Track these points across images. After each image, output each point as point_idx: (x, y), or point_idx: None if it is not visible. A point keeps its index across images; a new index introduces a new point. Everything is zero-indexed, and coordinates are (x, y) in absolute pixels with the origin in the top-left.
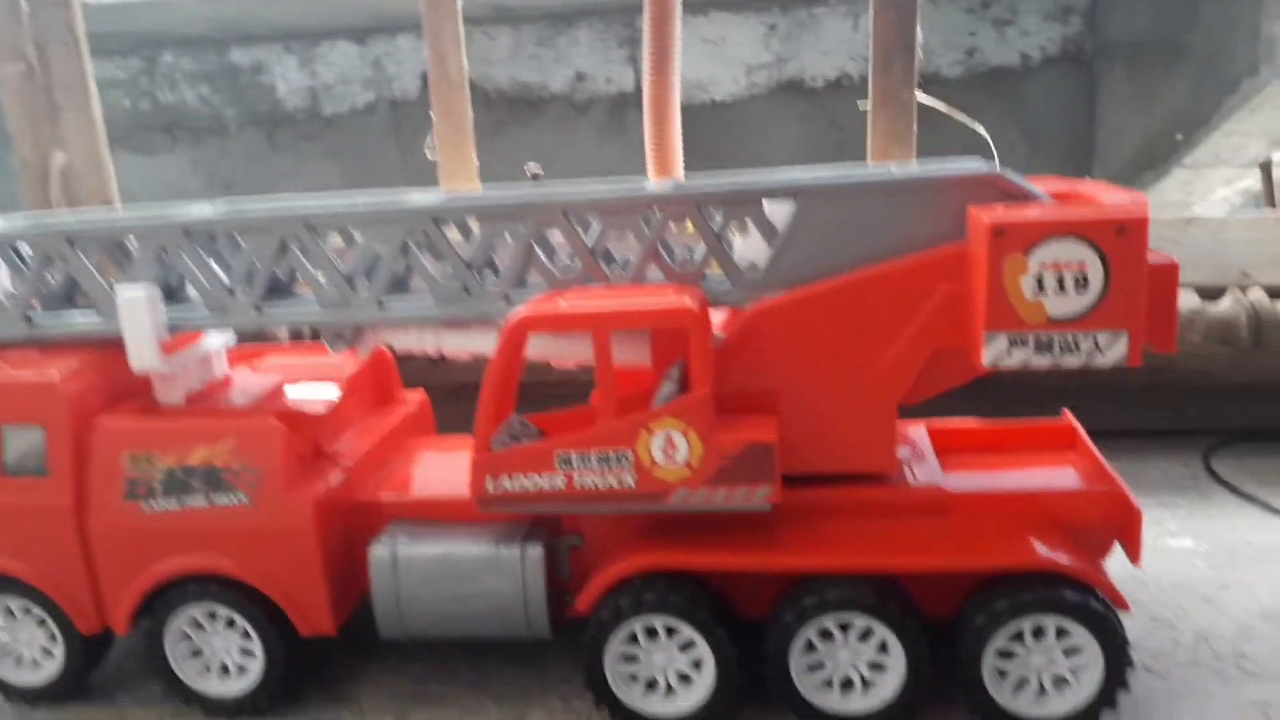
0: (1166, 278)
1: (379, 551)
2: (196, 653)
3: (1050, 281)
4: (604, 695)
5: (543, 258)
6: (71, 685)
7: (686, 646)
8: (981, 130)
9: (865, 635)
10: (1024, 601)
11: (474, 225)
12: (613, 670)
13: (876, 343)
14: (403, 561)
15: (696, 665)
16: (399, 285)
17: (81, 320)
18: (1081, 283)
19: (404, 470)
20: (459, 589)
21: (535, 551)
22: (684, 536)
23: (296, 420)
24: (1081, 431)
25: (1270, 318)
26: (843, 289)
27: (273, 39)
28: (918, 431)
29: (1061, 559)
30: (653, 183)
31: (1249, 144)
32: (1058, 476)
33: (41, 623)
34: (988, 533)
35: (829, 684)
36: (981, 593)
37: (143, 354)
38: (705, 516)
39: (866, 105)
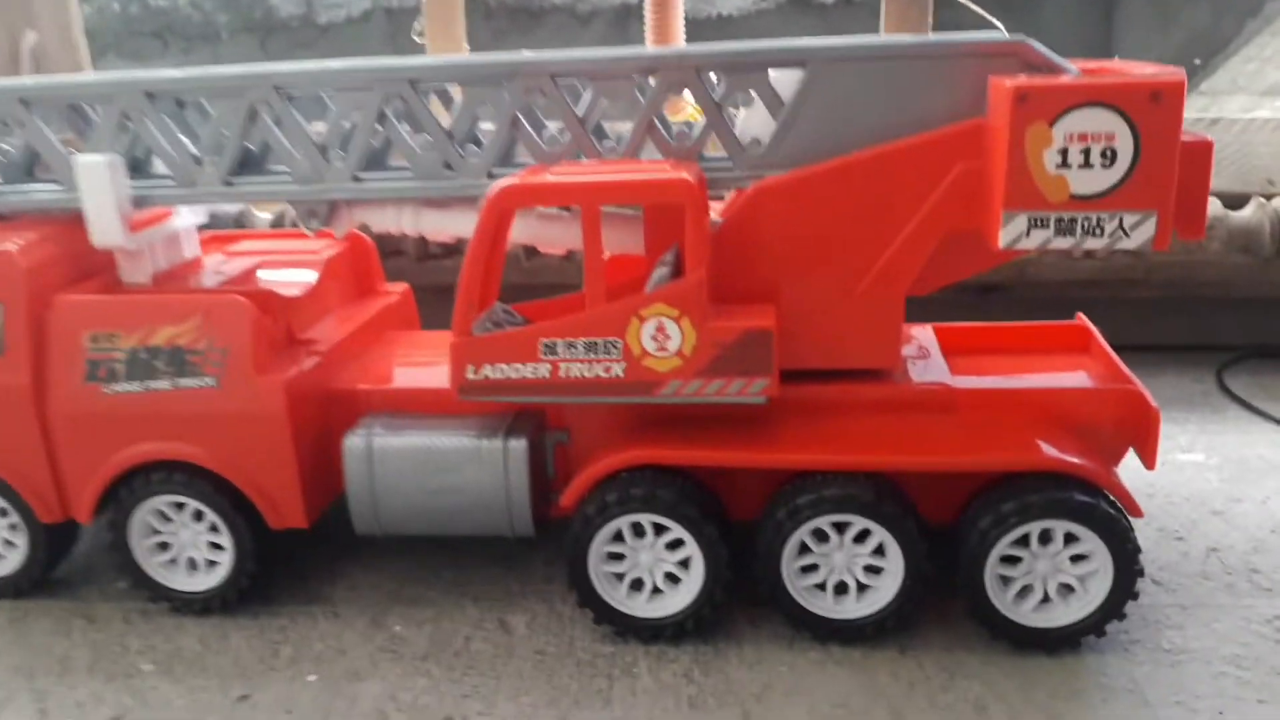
0: (1199, 157)
1: (354, 442)
2: (164, 546)
3: (1075, 155)
4: (588, 595)
5: (530, 132)
6: (36, 577)
7: (674, 545)
8: (1001, 29)
9: (862, 537)
10: (1031, 504)
11: (456, 93)
12: (597, 569)
13: (886, 226)
14: (378, 453)
15: (685, 565)
16: (377, 160)
17: (41, 191)
18: (1109, 157)
19: (383, 360)
20: (438, 483)
21: (519, 444)
22: (675, 431)
23: (268, 302)
24: (1096, 333)
25: None
26: (852, 167)
27: None
28: (924, 332)
29: (1072, 460)
30: (650, 47)
31: (1268, 70)
32: (1070, 377)
33: (2, 511)
34: (994, 432)
35: (822, 588)
36: (986, 495)
37: (105, 228)
38: (697, 410)
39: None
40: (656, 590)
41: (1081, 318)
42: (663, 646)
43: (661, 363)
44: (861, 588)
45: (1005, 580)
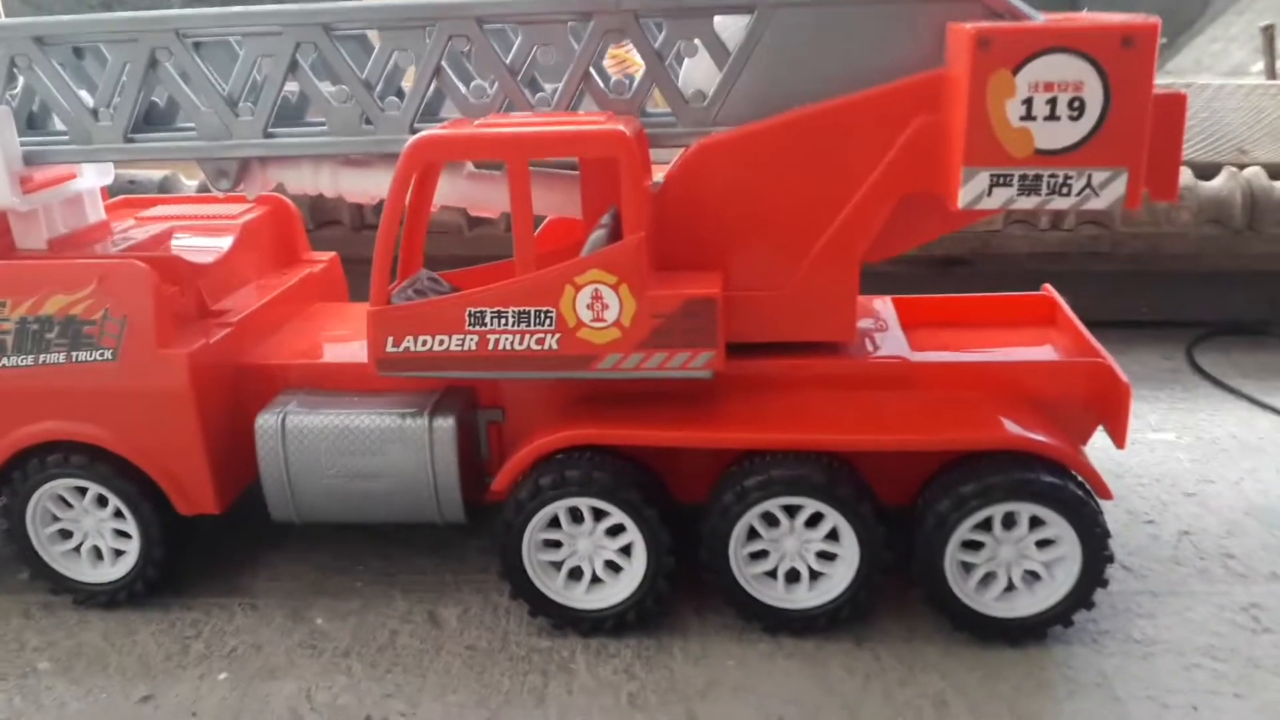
0: (1172, 111)
1: (266, 421)
2: (65, 534)
3: (1041, 106)
4: (522, 586)
5: (455, 82)
6: None
7: (615, 532)
8: None
9: (814, 521)
10: (994, 485)
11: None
12: (532, 558)
13: (839, 187)
14: (292, 433)
15: (626, 553)
16: (296, 115)
17: None
18: (1077, 108)
19: (304, 334)
20: (358, 466)
21: (445, 423)
22: (614, 408)
23: (174, 269)
24: (1064, 305)
25: (1267, 199)
26: (802, 122)
27: None
28: (882, 304)
29: (1037, 438)
30: None
31: (1233, 50)
32: (1036, 351)
33: None
34: (954, 408)
35: (773, 575)
36: (946, 476)
37: None
38: (639, 386)
39: None
40: (596, 580)
41: (1048, 289)
42: (602, 640)
43: (598, 334)
44: (814, 575)
45: (966, 567)
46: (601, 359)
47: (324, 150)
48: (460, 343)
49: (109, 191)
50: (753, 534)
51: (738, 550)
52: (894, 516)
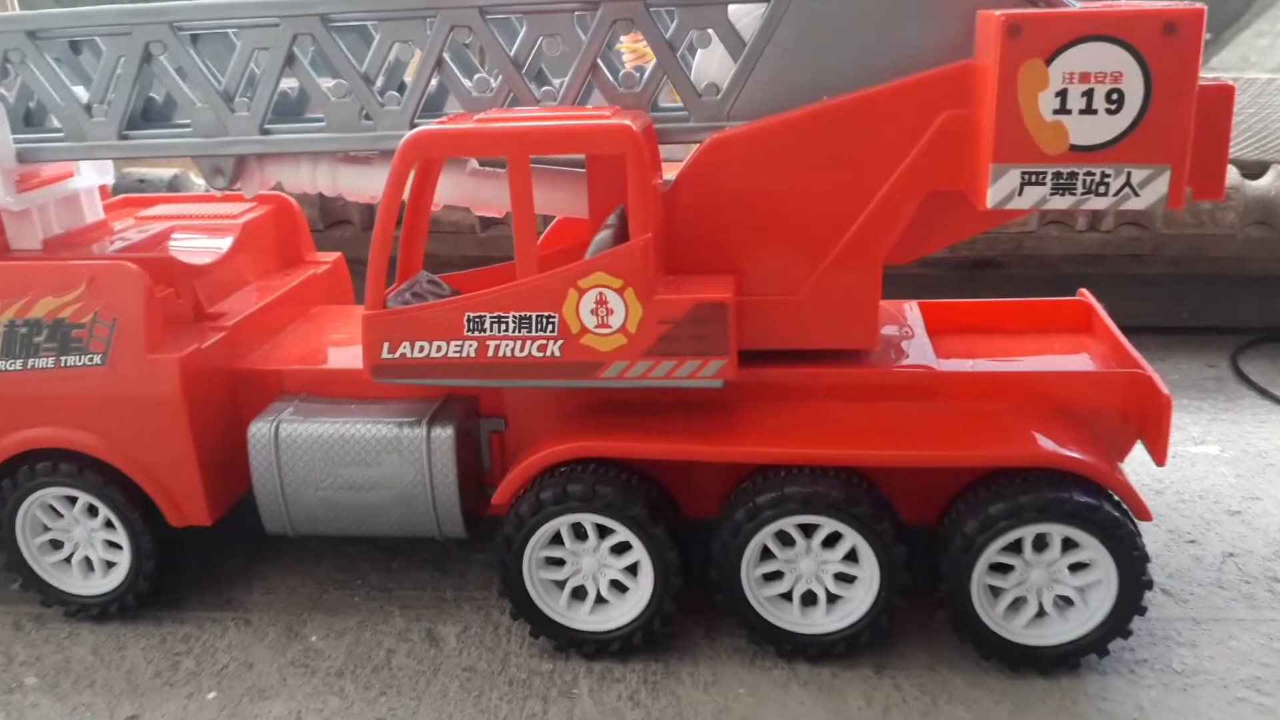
0: (1218, 103)
1: (259, 429)
2: (56, 544)
3: (1076, 98)
4: (523, 605)
5: (457, 75)
6: None
7: (621, 549)
8: None
9: (832, 541)
10: (1025, 505)
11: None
12: (533, 576)
13: (860, 185)
14: (285, 442)
15: (632, 572)
16: (294, 111)
17: None
18: (1115, 100)
19: (304, 337)
20: (354, 477)
21: (444, 432)
22: (620, 419)
23: (168, 271)
24: (1101, 311)
25: None
26: (820, 117)
27: None
28: (908, 308)
29: (1071, 454)
30: None
31: None
32: (1071, 360)
33: None
34: (983, 422)
35: (787, 598)
36: (973, 494)
37: None
38: (646, 395)
39: None
40: (600, 600)
41: (1084, 294)
42: (607, 664)
43: (603, 341)
44: (831, 598)
45: (995, 591)
46: (606, 367)
47: (322, 147)
48: (459, 349)
49: (115, 190)
50: (766, 554)
51: (750, 571)
52: (916, 535)
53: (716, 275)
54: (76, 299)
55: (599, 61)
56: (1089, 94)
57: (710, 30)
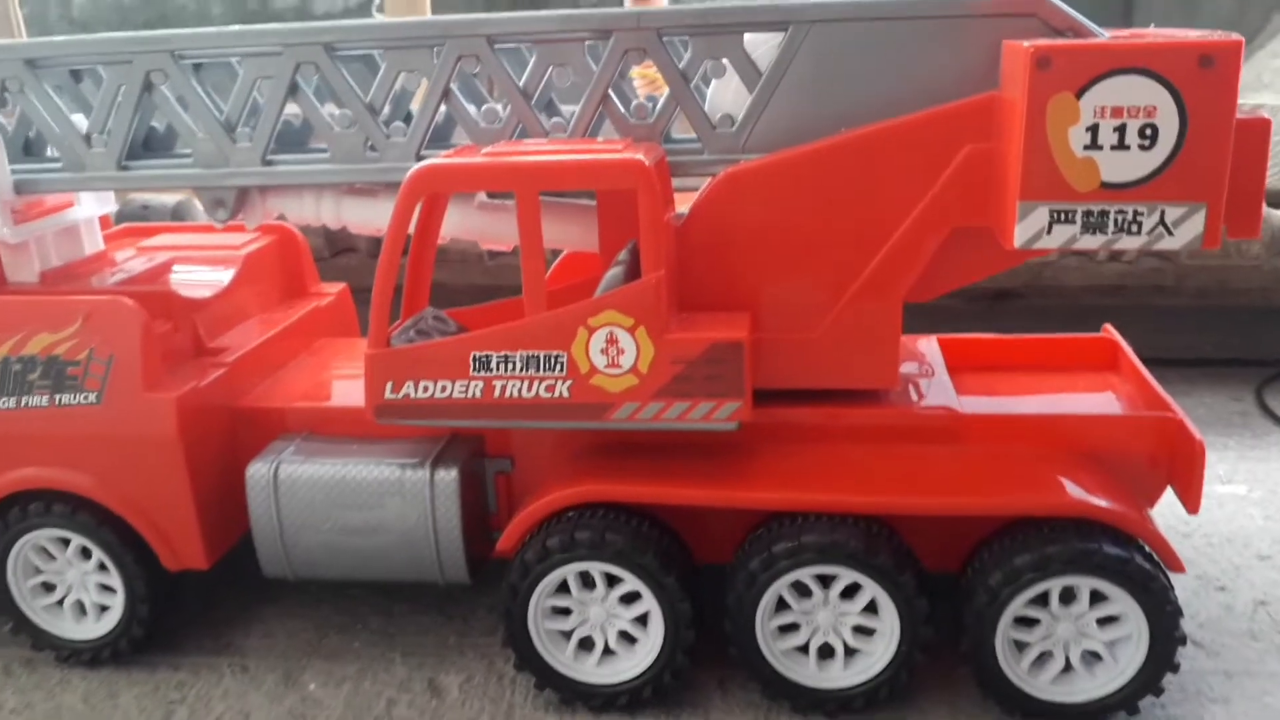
0: (1255, 137)
1: (257, 470)
2: (48, 586)
3: (1108, 133)
4: (528, 656)
5: (464, 105)
6: None
7: (630, 599)
8: None
9: (850, 592)
10: (1051, 556)
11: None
12: (539, 626)
13: (880, 220)
14: (284, 483)
15: (642, 622)
16: (298, 142)
17: None
18: (1149, 136)
19: (307, 373)
20: (355, 520)
21: (448, 475)
22: (630, 461)
23: (167, 304)
24: (1126, 348)
25: None
26: (839, 150)
27: None
28: (928, 344)
29: (1101, 503)
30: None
31: None
32: (1097, 400)
33: None
34: (1008, 467)
35: (804, 651)
36: (997, 543)
37: None
38: (657, 438)
39: None
40: (609, 651)
41: (1109, 330)
42: (615, 718)
43: (613, 381)
44: (850, 652)
45: (1020, 646)
46: (617, 408)
47: (326, 179)
48: (464, 389)
49: (118, 216)
50: (782, 605)
51: (765, 623)
52: (938, 582)
53: (731, 312)
54: (72, 335)
55: (610, 92)
56: (1121, 129)
57: (725, 60)
